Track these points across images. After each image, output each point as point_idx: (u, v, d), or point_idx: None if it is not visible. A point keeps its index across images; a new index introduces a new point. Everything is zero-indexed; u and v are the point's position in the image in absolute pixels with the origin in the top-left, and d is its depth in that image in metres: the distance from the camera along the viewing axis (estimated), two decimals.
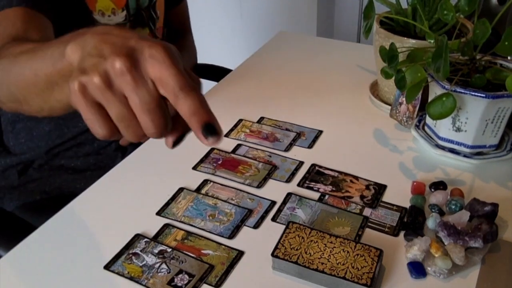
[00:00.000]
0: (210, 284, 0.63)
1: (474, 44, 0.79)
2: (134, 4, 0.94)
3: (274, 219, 0.74)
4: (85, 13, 0.88)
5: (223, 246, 0.69)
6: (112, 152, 1.06)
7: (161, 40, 1.04)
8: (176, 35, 1.22)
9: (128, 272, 0.65)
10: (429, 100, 0.82)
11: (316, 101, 1.05)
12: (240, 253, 0.68)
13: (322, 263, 0.62)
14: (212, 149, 0.89)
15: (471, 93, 0.76)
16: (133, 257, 0.68)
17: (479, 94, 0.75)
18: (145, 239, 0.70)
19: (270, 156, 0.87)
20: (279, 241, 0.65)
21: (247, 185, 0.81)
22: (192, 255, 0.68)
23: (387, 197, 0.77)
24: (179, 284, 0.63)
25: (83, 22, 0.88)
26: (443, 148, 0.85)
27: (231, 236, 0.71)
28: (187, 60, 1.20)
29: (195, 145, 0.90)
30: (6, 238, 0.81)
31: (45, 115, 0.54)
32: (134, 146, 0.92)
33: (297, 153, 0.88)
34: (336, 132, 0.94)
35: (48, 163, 1.03)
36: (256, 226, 0.73)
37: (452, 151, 0.84)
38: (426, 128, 0.89)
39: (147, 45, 0.41)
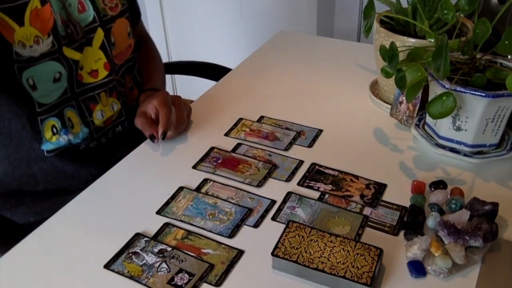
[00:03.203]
0: (210, 283, 0.64)
1: (474, 43, 0.79)
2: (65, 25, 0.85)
3: (274, 218, 0.74)
4: (5, 46, 0.79)
5: (223, 245, 0.69)
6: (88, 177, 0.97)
7: (130, 58, 1.00)
8: (139, 46, 1.18)
9: (128, 271, 0.65)
10: (429, 99, 0.82)
11: (316, 100, 1.05)
12: (240, 252, 0.68)
13: (322, 262, 0.62)
14: (212, 148, 0.89)
15: (471, 92, 0.76)
16: (133, 256, 0.68)
17: (479, 93, 0.75)
18: (145, 238, 0.70)
19: (270, 155, 0.87)
20: (279, 240, 0.65)
21: (247, 184, 0.81)
22: (192, 254, 0.68)
23: (387, 196, 0.77)
24: (179, 283, 0.63)
25: (3, 56, 0.79)
26: (443, 147, 0.85)
27: (231, 235, 0.71)
28: (155, 64, 1.16)
29: (195, 144, 0.91)
30: (5, 239, 0.81)
31: None
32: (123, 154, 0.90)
33: (297, 152, 0.88)
34: (336, 131, 0.94)
35: (32, 189, 0.97)
36: (256, 225, 0.73)
37: (452, 150, 0.84)
38: (426, 127, 0.89)
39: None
